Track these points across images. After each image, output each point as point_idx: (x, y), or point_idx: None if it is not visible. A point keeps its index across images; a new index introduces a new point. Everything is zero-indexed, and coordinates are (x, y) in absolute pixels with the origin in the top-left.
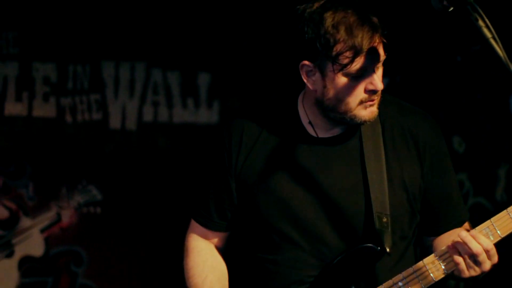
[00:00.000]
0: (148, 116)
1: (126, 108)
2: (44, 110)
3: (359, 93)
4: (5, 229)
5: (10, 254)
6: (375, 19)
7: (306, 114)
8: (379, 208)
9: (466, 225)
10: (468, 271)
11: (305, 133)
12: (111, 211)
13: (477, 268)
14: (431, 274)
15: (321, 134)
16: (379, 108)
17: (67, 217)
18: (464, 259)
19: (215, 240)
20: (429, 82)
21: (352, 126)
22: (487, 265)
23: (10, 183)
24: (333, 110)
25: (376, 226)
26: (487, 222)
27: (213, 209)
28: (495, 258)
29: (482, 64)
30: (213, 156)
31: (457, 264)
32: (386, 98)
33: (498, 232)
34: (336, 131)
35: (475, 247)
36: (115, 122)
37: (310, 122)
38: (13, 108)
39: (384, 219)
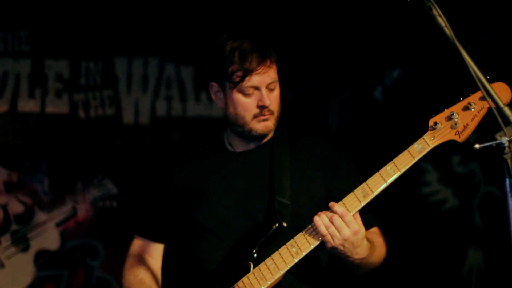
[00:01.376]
0: (161, 110)
1: (139, 103)
2: (57, 106)
3: (252, 108)
4: (21, 224)
5: (26, 248)
6: (268, 48)
7: (227, 138)
8: (280, 197)
9: (374, 230)
10: (333, 240)
11: (226, 151)
12: (126, 204)
13: (338, 235)
14: (300, 248)
15: (238, 150)
16: (291, 132)
17: (82, 211)
18: (327, 228)
19: (151, 250)
20: (439, 73)
21: (264, 143)
22: (346, 231)
23: (25, 179)
24: (235, 124)
25: (276, 207)
26: (363, 184)
27: (151, 219)
28: (354, 226)
29: (493, 53)
30: (155, 180)
31: (322, 235)
32: (295, 128)
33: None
34: (250, 146)
35: (329, 214)
36: (128, 117)
37: (229, 143)
38: (26, 104)
39: (284, 202)
